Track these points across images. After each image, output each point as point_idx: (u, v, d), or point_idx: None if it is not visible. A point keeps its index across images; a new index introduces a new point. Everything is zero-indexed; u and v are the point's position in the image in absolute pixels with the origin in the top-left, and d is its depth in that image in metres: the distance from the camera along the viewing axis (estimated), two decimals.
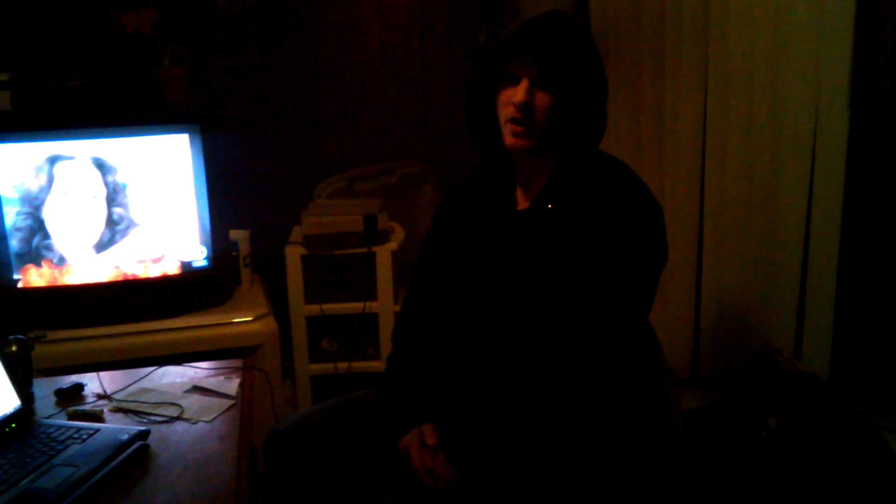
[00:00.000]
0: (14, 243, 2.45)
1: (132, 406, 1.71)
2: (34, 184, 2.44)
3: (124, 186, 2.52)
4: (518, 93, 1.53)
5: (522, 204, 1.67)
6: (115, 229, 2.54)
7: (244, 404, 1.73)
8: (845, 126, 2.24)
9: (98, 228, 2.52)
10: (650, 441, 1.71)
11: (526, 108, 1.53)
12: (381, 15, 3.24)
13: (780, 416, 2.21)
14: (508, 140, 1.57)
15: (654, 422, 1.73)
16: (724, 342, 2.67)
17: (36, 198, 2.45)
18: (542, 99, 1.53)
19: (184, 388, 1.82)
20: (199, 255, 2.61)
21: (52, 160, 2.45)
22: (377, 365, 2.81)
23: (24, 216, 2.45)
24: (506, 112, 1.56)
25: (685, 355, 2.81)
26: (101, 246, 2.53)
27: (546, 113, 1.54)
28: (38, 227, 2.47)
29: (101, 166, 2.50)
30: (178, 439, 1.58)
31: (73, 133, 2.45)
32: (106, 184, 2.50)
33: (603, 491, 1.63)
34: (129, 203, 2.54)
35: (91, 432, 1.52)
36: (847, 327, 2.35)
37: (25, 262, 2.46)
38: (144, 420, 1.66)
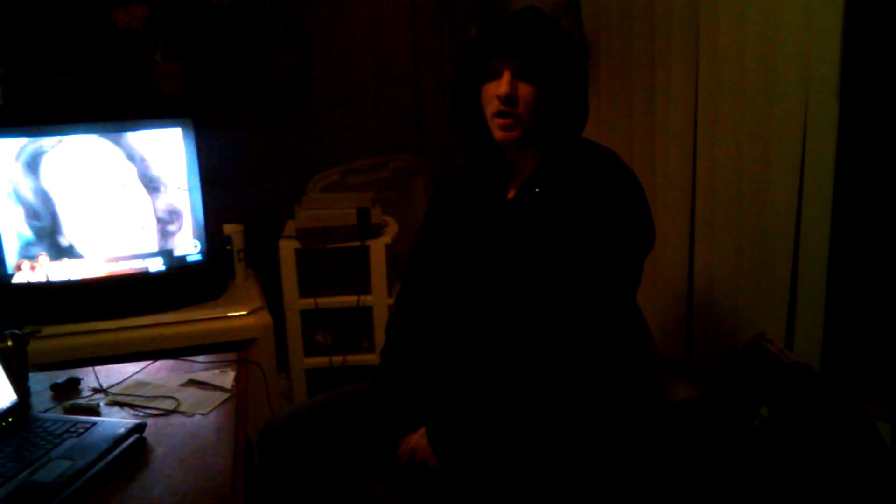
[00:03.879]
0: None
1: (128, 400, 1.72)
2: (37, 202, 2.45)
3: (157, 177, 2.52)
4: (501, 86, 1.57)
5: (512, 193, 1.69)
6: (166, 229, 2.54)
7: (240, 397, 1.74)
8: (834, 118, 2.26)
9: (149, 228, 2.52)
10: (643, 431, 1.72)
11: (509, 99, 1.57)
12: (373, 9, 3.24)
13: (772, 405, 2.22)
14: (497, 134, 1.61)
15: (647, 412, 1.74)
16: (717, 333, 2.68)
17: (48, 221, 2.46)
18: (524, 90, 1.57)
19: (179, 381, 1.82)
20: (192, 250, 2.61)
21: (39, 156, 2.43)
22: (372, 358, 2.82)
23: (37, 231, 2.46)
24: (491, 107, 1.60)
25: (678, 346, 2.83)
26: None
27: (529, 103, 1.58)
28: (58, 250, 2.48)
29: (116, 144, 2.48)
30: (174, 432, 1.59)
31: (65, 128, 2.44)
32: (130, 157, 2.49)
33: (596, 481, 1.64)
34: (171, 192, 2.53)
35: (88, 426, 1.53)
36: (838, 318, 2.36)
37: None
38: (140, 413, 1.67)
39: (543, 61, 1.57)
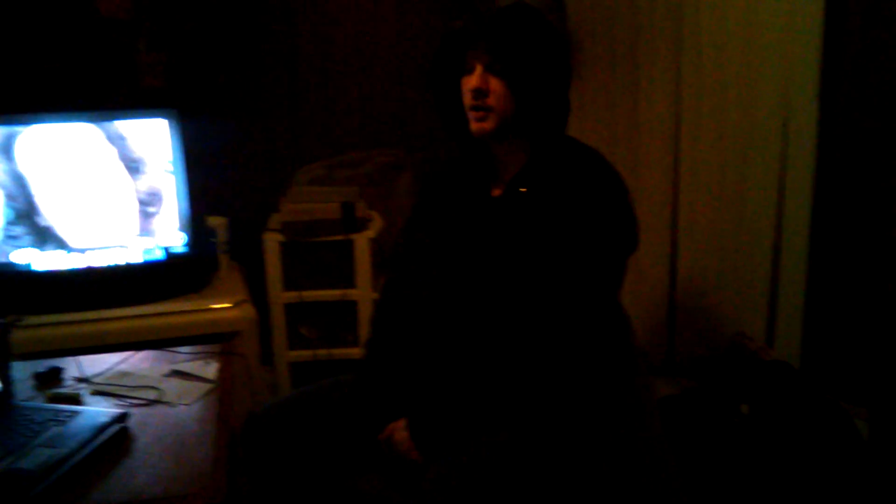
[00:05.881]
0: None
1: (111, 389, 1.72)
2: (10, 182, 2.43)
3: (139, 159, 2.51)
4: (472, 79, 1.59)
5: (498, 191, 1.70)
6: (146, 210, 2.53)
7: (223, 387, 1.74)
8: (814, 119, 2.28)
9: (129, 209, 2.51)
10: (624, 428, 1.74)
11: (479, 93, 1.59)
12: (358, 2, 3.23)
13: (752, 402, 2.25)
14: (472, 126, 1.63)
15: (628, 409, 1.76)
16: (698, 331, 2.71)
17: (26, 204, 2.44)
18: (495, 84, 1.59)
19: (163, 371, 1.82)
20: (177, 242, 2.61)
21: (13, 136, 2.41)
22: (356, 352, 2.81)
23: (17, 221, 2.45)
24: (466, 100, 1.63)
25: (660, 344, 2.85)
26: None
27: (500, 97, 1.59)
28: (41, 235, 2.47)
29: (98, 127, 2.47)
30: (157, 422, 1.59)
31: (50, 117, 2.44)
32: (110, 139, 2.47)
33: (577, 477, 1.65)
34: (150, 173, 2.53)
35: (70, 415, 1.53)
36: (818, 317, 2.39)
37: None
38: (123, 403, 1.66)
39: (514, 56, 1.57)
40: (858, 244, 2.29)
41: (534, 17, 1.62)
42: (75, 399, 1.67)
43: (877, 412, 2.16)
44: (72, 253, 2.50)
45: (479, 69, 1.59)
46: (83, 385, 1.75)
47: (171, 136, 2.53)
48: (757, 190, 2.45)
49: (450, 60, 1.67)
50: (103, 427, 1.49)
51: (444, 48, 1.69)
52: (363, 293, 2.81)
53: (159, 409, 1.64)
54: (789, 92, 2.33)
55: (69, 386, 1.75)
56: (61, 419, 1.51)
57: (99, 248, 2.52)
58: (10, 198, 2.43)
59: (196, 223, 2.63)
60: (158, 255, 2.58)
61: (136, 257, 2.56)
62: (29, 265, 2.46)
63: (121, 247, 2.54)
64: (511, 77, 1.58)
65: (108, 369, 1.83)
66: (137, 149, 2.52)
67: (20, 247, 2.46)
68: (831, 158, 2.30)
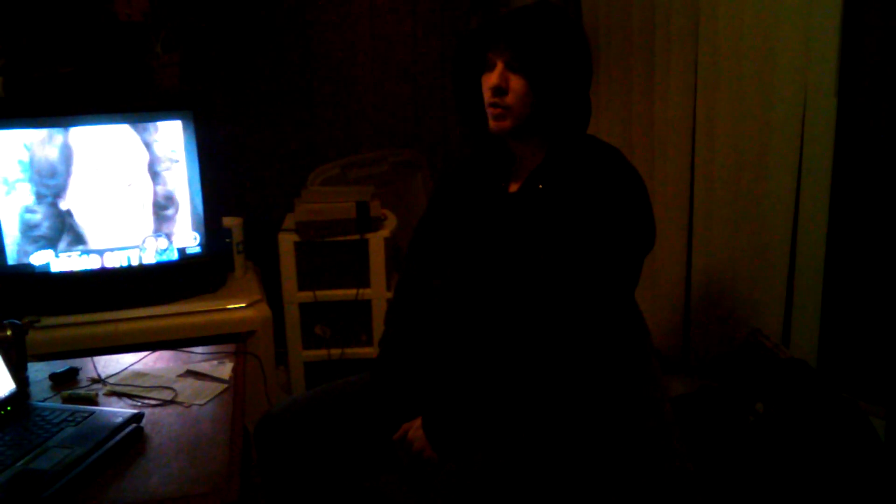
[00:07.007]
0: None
1: (126, 390, 1.73)
2: (48, 175, 2.45)
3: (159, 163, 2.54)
4: (492, 77, 1.59)
5: (514, 187, 1.70)
6: (162, 215, 2.56)
7: (237, 387, 1.75)
8: (833, 114, 2.26)
9: (145, 210, 2.55)
10: (638, 426, 1.73)
11: (498, 90, 1.59)
12: (373, 2, 3.24)
13: (767, 401, 2.23)
14: (490, 124, 1.63)
15: (643, 408, 1.75)
16: (713, 329, 2.69)
17: (54, 201, 2.47)
18: (515, 82, 1.59)
19: (177, 372, 1.83)
20: (192, 242, 2.62)
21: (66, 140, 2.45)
22: (370, 351, 2.83)
23: (45, 216, 2.48)
24: (485, 98, 1.63)
25: (675, 342, 2.83)
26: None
27: (520, 95, 1.59)
28: (61, 228, 2.50)
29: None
30: (171, 422, 1.60)
31: (67, 120, 2.46)
32: (129, 140, 2.51)
33: (592, 475, 1.65)
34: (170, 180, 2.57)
35: (86, 415, 1.54)
36: (835, 314, 2.37)
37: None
38: (138, 403, 1.68)
39: (535, 54, 1.57)
40: (876, 241, 2.27)
41: (555, 15, 1.62)
42: (91, 399, 1.69)
43: (894, 411, 2.14)
44: (88, 254, 2.52)
45: (499, 66, 1.59)
46: (98, 385, 1.77)
47: (187, 136, 2.54)
48: (773, 187, 2.43)
49: (471, 58, 1.67)
50: (118, 427, 1.50)
51: (465, 46, 1.68)
52: (377, 292, 2.82)
53: (174, 409, 1.65)
54: (807, 89, 2.30)
55: (85, 386, 1.77)
56: (77, 419, 1.53)
57: (114, 249, 2.54)
58: (39, 174, 2.45)
59: (211, 223, 2.64)
60: (173, 255, 2.60)
61: (151, 258, 2.57)
62: (46, 266, 2.48)
63: (136, 247, 2.56)
64: (531, 74, 1.58)
65: (123, 370, 1.84)
66: (153, 149, 2.54)
67: (35, 235, 2.47)
68: (849, 155, 2.28)
